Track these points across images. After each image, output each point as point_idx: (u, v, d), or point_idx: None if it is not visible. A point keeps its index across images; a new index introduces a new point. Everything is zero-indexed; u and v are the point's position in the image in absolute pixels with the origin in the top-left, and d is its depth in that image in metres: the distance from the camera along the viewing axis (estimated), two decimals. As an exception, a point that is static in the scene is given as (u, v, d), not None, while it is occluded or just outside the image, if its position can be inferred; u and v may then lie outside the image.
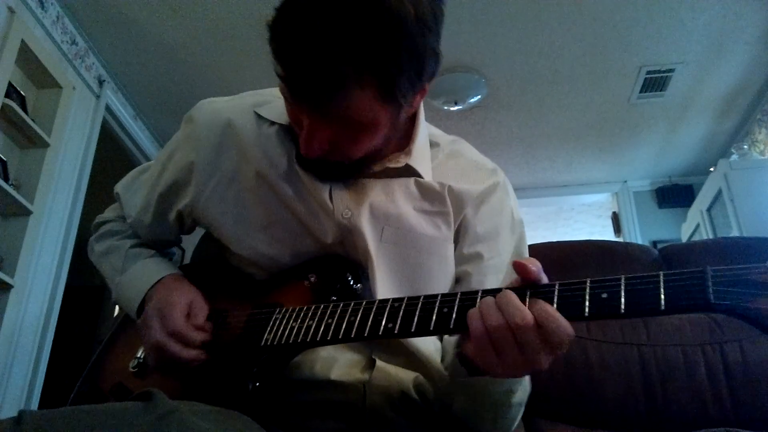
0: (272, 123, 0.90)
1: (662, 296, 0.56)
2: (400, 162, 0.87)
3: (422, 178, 0.89)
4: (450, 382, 0.77)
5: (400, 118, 0.80)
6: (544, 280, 0.64)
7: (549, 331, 0.58)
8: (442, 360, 0.86)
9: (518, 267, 0.63)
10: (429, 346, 0.84)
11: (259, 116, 0.91)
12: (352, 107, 0.71)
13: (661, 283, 0.57)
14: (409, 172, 0.88)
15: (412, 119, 0.89)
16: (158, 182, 0.97)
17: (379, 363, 0.81)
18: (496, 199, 0.92)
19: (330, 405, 0.78)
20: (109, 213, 1.08)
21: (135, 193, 1.02)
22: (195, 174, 0.92)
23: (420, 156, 0.89)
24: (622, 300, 0.58)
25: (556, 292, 0.61)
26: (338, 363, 0.80)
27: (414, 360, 0.83)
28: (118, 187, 1.05)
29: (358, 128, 0.75)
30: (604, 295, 0.59)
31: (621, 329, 1.37)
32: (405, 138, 0.88)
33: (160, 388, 0.63)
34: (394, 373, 0.82)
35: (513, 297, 0.61)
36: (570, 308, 0.60)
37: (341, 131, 0.75)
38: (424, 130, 0.92)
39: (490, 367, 0.63)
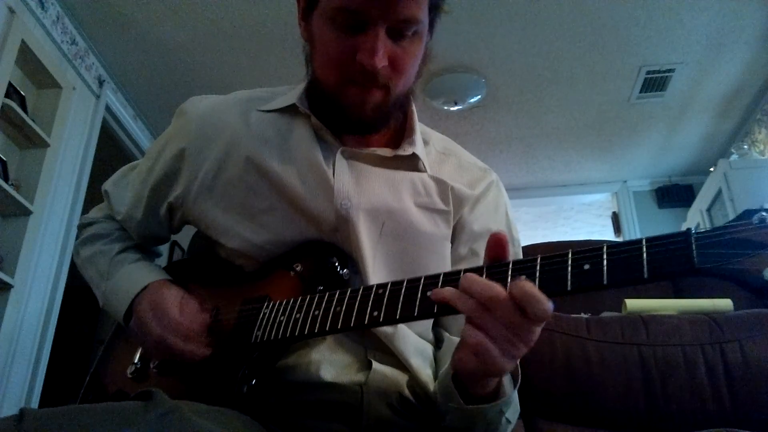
0: (266, 111, 0.93)
1: (645, 264, 0.55)
2: (407, 150, 0.90)
3: (425, 171, 0.91)
4: (442, 402, 0.77)
5: (425, 50, 0.87)
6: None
7: (524, 304, 0.57)
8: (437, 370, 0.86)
9: (493, 239, 0.64)
10: (409, 347, 0.83)
11: (249, 105, 0.94)
12: (420, 4, 0.79)
13: (644, 250, 0.55)
14: (414, 164, 0.91)
15: (406, 114, 0.94)
16: (150, 175, 0.97)
17: (375, 365, 0.81)
18: (491, 198, 0.95)
19: (328, 406, 0.78)
20: (94, 213, 1.06)
21: (125, 189, 1.01)
22: (186, 161, 0.92)
23: (420, 148, 0.92)
24: (605, 270, 0.56)
25: (537, 267, 0.60)
26: (333, 364, 0.80)
27: (402, 361, 0.83)
28: (107, 185, 1.04)
29: (412, 39, 0.82)
30: (587, 267, 0.57)
31: (621, 329, 1.37)
32: (403, 129, 0.93)
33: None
34: (390, 374, 0.82)
35: (473, 276, 0.61)
36: (552, 283, 0.58)
37: (398, 45, 0.81)
38: (418, 125, 0.95)
39: (487, 360, 0.61)
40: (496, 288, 0.59)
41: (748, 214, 0.53)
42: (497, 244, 0.64)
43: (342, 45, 0.80)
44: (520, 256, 0.94)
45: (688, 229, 0.54)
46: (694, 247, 0.53)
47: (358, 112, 0.84)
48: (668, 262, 0.54)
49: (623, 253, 0.56)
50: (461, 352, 0.64)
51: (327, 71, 0.84)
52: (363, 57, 0.79)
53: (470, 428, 0.75)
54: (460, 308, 0.61)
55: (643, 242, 0.56)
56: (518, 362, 0.70)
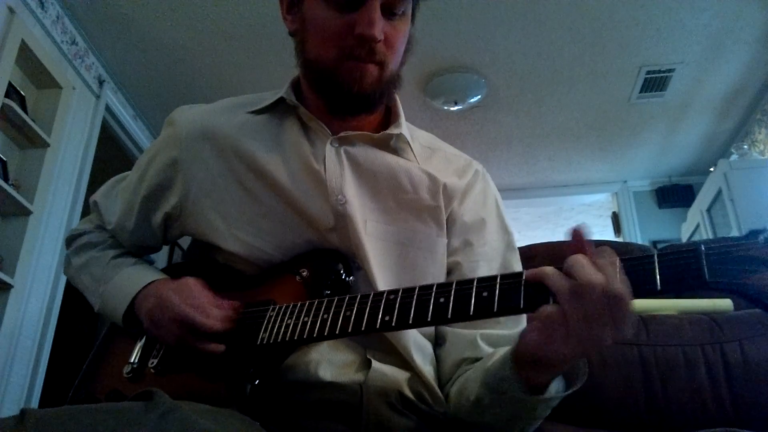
0: (255, 113, 0.94)
1: (658, 277, 0.56)
2: (394, 131, 0.92)
3: (414, 160, 0.93)
4: (495, 396, 0.74)
5: (408, 37, 0.91)
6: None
7: (611, 296, 0.57)
8: (459, 372, 0.85)
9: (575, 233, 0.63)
10: (411, 344, 0.83)
11: (237, 110, 0.95)
12: None
13: (656, 265, 0.57)
14: (403, 150, 0.93)
15: (392, 103, 0.97)
16: (140, 186, 0.96)
17: (375, 364, 0.81)
18: (478, 189, 0.96)
19: (327, 405, 0.78)
20: (84, 225, 1.05)
21: (115, 199, 1.01)
22: (180, 169, 0.92)
23: (407, 132, 0.95)
24: None
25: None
26: (332, 364, 0.80)
27: (406, 358, 0.83)
28: (96, 196, 1.04)
29: (402, 18, 0.87)
30: None
31: (621, 329, 1.37)
32: (389, 117, 0.96)
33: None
34: (389, 373, 0.82)
35: (582, 258, 0.60)
36: None
37: (389, 23, 0.85)
38: (402, 113, 0.98)
39: (553, 348, 0.61)
40: (600, 276, 0.58)
41: (754, 234, 0.55)
42: (575, 237, 0.64)
43: (339, 21, 0.83)
44: (515, 245, 0.96)
45: (698, 245, 0.56)
46: (704, 262, 0.55)
47: (357, 86, 0.85)
48: (680, 276, 0.56)
49: (636, 266, 0.58)
50: (527, 327, 0.65)
51: (324, 48, 0.86)
52: (363, 29, 0.81)
53: (511, 423, 0.75)
54: (555, 286, 0.61)
55: (655, 257, 0.58)
56: (586, 365, 0.70)
